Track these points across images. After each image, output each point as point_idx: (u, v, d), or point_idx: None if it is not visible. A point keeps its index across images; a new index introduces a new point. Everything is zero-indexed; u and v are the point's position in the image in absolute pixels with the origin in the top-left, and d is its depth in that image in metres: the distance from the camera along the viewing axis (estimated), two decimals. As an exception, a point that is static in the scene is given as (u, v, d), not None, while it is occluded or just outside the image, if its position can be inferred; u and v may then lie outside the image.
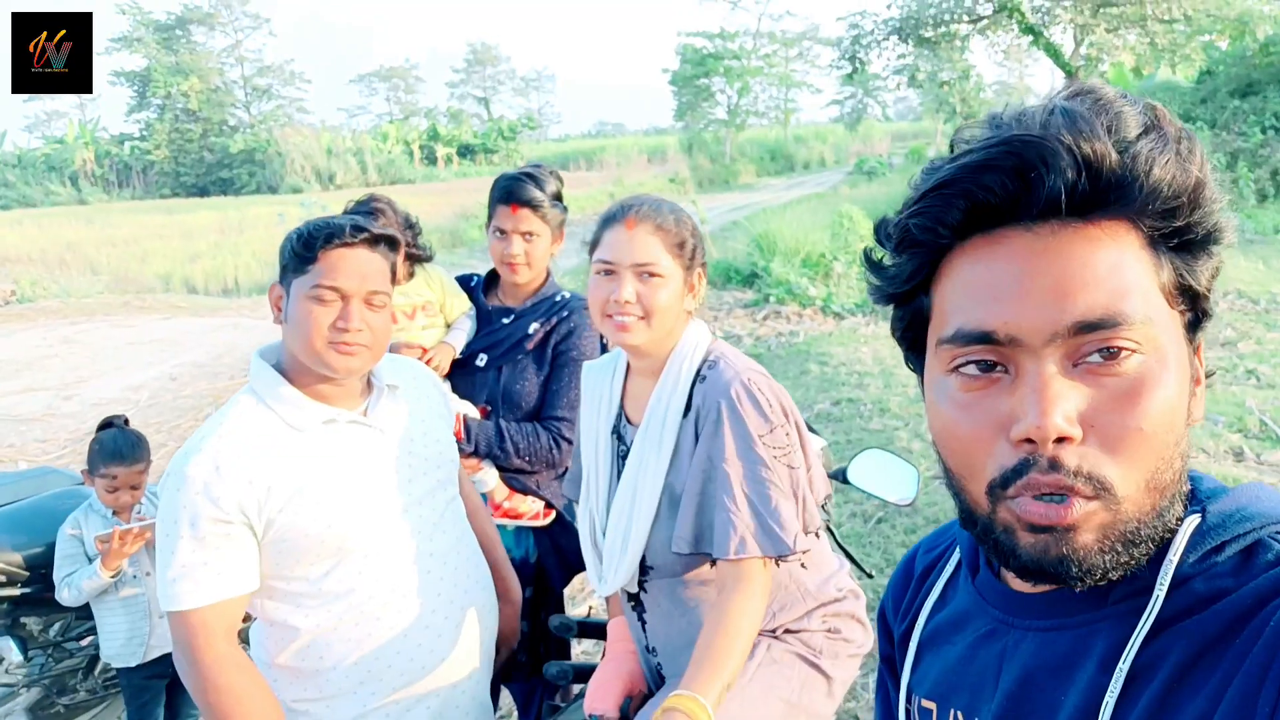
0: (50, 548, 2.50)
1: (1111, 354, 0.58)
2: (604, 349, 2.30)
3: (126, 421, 2.59)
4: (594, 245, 1.54)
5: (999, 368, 0.61)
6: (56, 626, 2.80)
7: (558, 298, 2.25)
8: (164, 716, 2.66)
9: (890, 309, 0.74)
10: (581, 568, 2.45)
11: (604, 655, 1.78)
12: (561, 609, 2.48)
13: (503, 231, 2.15)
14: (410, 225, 2.32)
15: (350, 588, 1.50)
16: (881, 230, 0.70)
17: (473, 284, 2.42)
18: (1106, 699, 0.60)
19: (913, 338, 0.71)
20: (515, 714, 2.79)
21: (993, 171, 0.59)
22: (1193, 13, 16.04)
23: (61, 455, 5.97)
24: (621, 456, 1.61)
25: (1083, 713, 0.62)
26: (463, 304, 2.35)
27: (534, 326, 2.20)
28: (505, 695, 2.61)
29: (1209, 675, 0.56)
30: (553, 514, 2.32)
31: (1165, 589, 0.60)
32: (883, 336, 7.78)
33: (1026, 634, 0.69)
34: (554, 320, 2.21)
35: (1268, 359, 6.25)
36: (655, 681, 1.68)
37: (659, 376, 1.53)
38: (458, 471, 1.76)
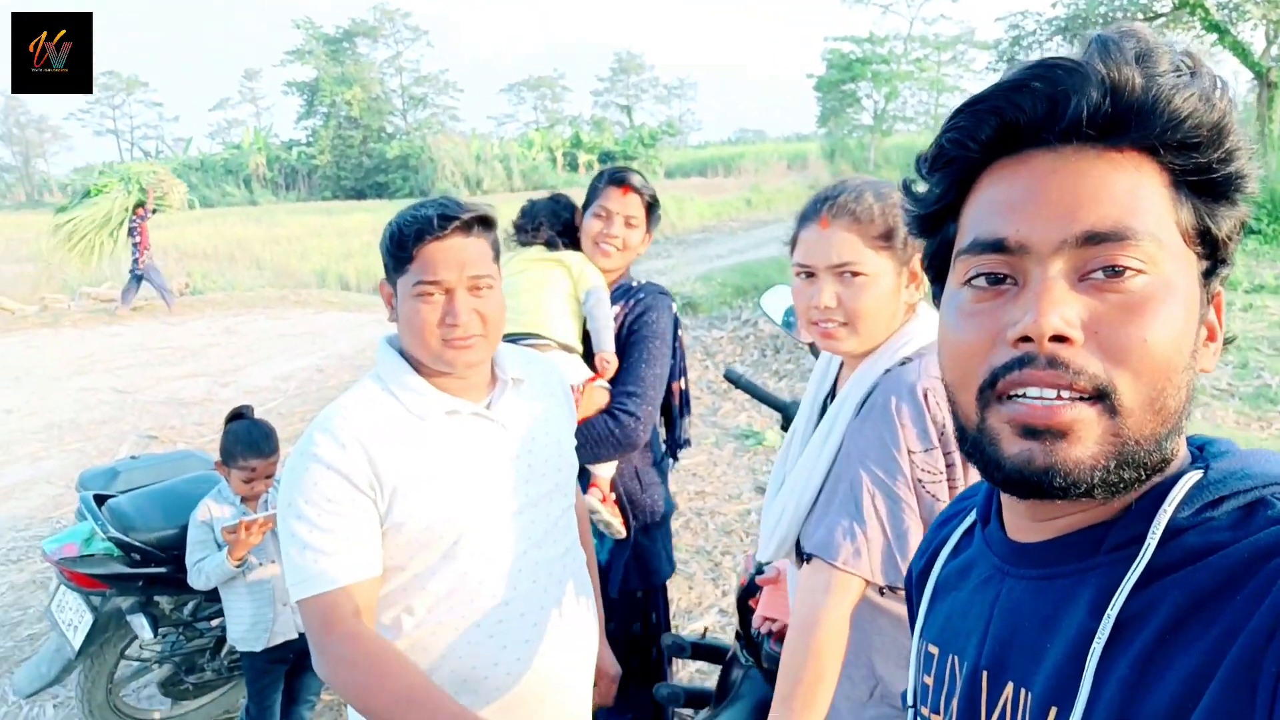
0: (183, 530, 2.57)
1: (1117, 272, 0.59)
2: (675, 333, 2.29)
3: (253, 412, 2.64)
4: (793, 245, 1.39)
5: (1009, 280, 0.63)
6: (188, 607, 2.89)
7: (634, 284, 2.29)
8: (282, 701, 2.70)
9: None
10: (659, 581, 2.37)
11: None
12: (646, 620, 2.37)
13: (607, 211, 2.18)
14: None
15: (453, 588, 1.43)
16: (919, 158, 0.71)
17: None
18: (1094, 645, 0.59)
19: (939, 266, 0.72)
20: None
21: (1024, 91, 0.61)
22: None
23: (214, 439, 6.31)
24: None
25: (1069, 658, 0.61)
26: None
27: (616, 310, 2.23)
28: None
29: (1205, 629, 0.54)
30: (629, 529, 2.25)
31: (1158, 537, 0.59)
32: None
33: (1020, 581, 0.69)
34: (631, 303, 2.24)
35: None
36: None
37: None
38: (574, 480, 1.67)
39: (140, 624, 2.66)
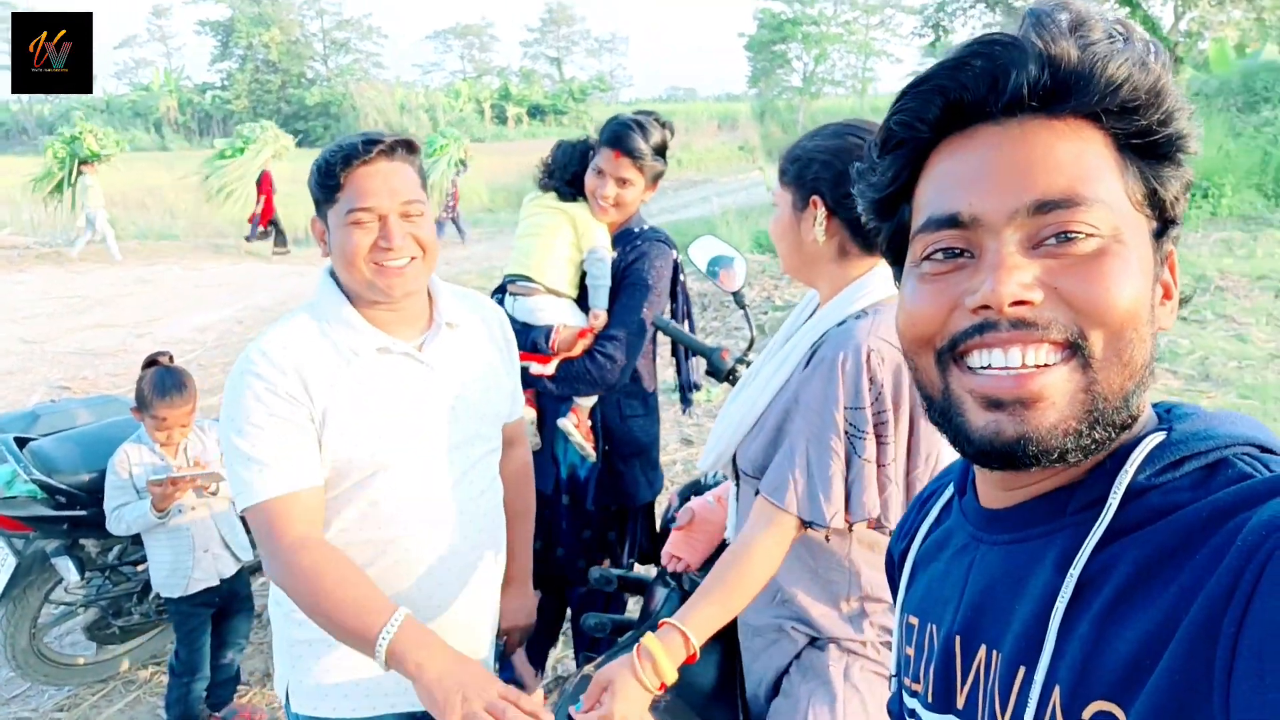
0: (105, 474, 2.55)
1: (1069, 238, 0.60)
2: (676, 279, 2.39)
3: (171, 359, 2.63)
4: None
5: (965, 254, 0.64)
6: (114, 550, 2.88)
7: (635, 230, 2.36)
8: (211, 644, 2.72)
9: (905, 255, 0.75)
10: (632, 503, 2.51)
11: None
12: (621, 531, 2.53)
13: (601, 172, 2.26)
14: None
15: (364, 513, 1.48)
16: (869, 143, 0.73)
17: None
18: (1057, 604, 0.60)
19: (898, 248, 0.74)
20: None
21: (966, 69, 0.63)
22: (1307, -13, 15.03)
23: (133, 388, 6.16)
24: None
25: (1036, 618, 0.62)
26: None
27: (613, 255, 2.34)
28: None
29: (1164, 587, 0.55)
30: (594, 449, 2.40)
31: (1119, 497, 0.60)
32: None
33: (993, 548, 0.70)
34: (628, 249, 2.34)
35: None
36: None
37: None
38: (499, 427, 1.71)
39: (66, 567, 2.65)
